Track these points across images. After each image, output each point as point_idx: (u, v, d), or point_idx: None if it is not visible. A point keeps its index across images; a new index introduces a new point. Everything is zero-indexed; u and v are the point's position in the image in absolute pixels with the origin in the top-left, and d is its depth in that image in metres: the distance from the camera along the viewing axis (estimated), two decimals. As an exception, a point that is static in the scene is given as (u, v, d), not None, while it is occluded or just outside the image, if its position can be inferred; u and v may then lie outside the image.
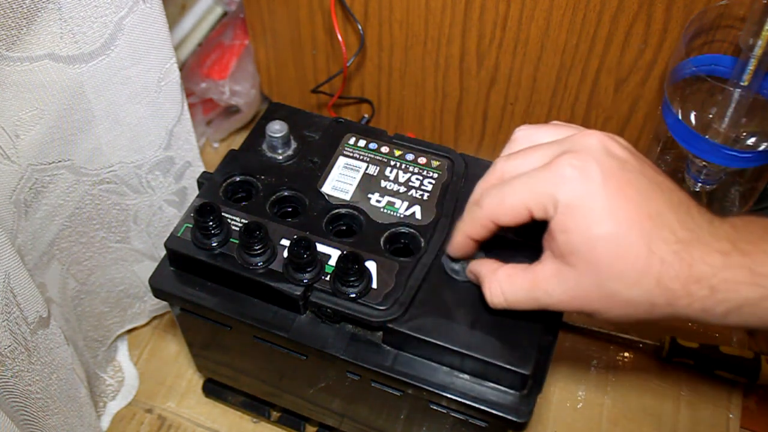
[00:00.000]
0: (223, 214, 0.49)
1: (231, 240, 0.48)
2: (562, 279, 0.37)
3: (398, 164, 0.53)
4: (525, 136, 0.42)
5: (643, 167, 0.37)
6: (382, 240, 0.48)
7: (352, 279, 0.44)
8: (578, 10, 0.60)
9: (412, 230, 0.49)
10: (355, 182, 0.52)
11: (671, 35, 0.58)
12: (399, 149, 0.54)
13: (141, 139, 0.56)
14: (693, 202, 0.37)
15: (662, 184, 0.37)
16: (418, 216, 0.50)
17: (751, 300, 0.35)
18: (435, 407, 0.47)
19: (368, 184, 0.52)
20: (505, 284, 0.41)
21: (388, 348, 0.46)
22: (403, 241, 0.49)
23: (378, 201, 0.51)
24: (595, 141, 0.37)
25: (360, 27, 0.68)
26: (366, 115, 0.78)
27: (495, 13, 0.63)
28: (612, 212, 0.35)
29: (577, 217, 0.36)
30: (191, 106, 0.79)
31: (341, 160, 0.53)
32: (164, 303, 0.64)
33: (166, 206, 0.62)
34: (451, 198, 0.51)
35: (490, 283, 0.41)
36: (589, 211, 0.36)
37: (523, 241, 0.45)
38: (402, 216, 0.50)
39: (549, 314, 0.46)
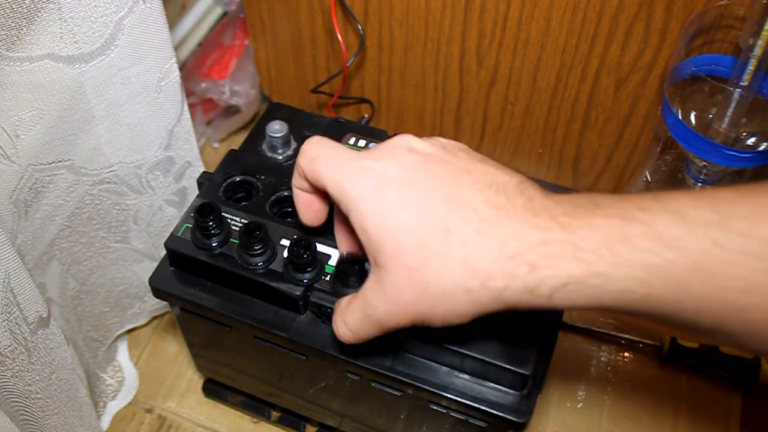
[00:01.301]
0: (223, 214, 0.49)
1: (231, 240, 0.48)
2: (380, 285, 0.36)
3: (398, 164, 0.53)
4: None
5: (453, 158, 0.36)
6: (382, 240, 0.48)
7: (352, 280, 0.44)
8: (578, 10, 0.60)
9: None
10: (355, 182, 0.52)
11: (671, 35, 0.58)
12: (399, 149, 0.54)
13: (141, 139, 0.56)
14: (515, 182, 0.35)
15: (476, 169, 0.36)
16: (418, 216, 0.50)
17: (575, 277, 0.31)
18: (435, 407, 0.47)
19: (368, 184, 0.52)
20: (346, 313, 0.39)
21: (388, 348, 0.46)
22: (403, 241, 0.49)
23: (378, 201, 0.51)
24: (399, 140, 0.37)
25: (360, 27, 0.68)
26: (366, 115, 0.78)
27: (495, 13, 0.63)
28: (405, 200, 0.34)
29: (369, 212, 0.35)
30: (191, 106, 0.79)
31: (341, 160, 0.53)
32: (164, 303, 0.64)
33: (166, 206, 0.62)
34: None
35: (335, 318, 0.40)
36: (381, 203, 0.35)
37: None
38: (402, 216, 0.50)
39: (549, 314, 0.46)
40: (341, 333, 0.40)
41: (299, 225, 0.49)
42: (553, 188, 0.37)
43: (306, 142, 0.40)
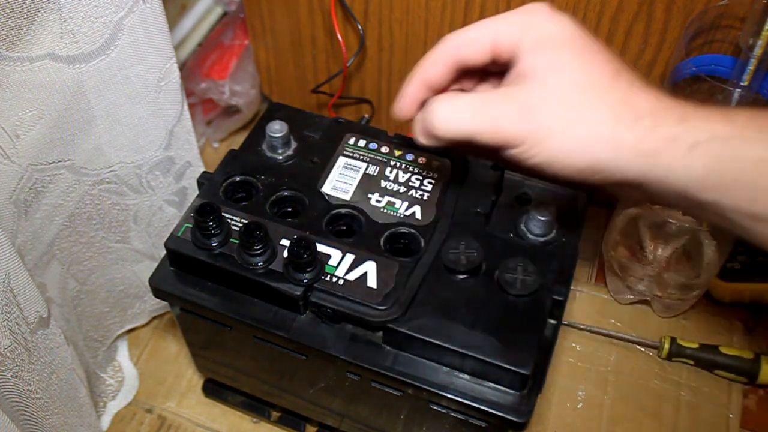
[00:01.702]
0: (223, 214, 0.49)
1: (231, 240, 0.48)
2: (519, 93, 0.35)
3: (398, 164, 0.53)
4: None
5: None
6: (382, 240, 0.48)
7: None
8: (578, 10, 0.60)
9: (412, 230, 0.49)
10: (355, 182, 0.52)
11: (671, 35, 0.58)
12: (399, 149, 0.54)
13: (141, 139, 0.56)
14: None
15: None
16: (418, 216, 0.50)
17: (721, 135, 0.32)
18: (435, 407, 0.47)
19: (368, 184, 0.52)
20: (454, 100, 0.37)
21: (388, 348, 0.46)
22: (403, 241, 0.49)
23: (378, 201, 0.51)
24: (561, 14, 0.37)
25: (360, 27, 0.68)
26: (366, 115, 0.78)
27: (495, 13, 0.63)
28: (581, 41, 0.35)
29: (544, 41, 0.35)
30: (191, 106, 0.79)
31: (341, 160, 0.53)
32: (164, 303, 0.64)
33: (166, 206, 0.62)
34: (451, 198, 0.51)
35: (439, 100, 0.37)
36: (559, 35, 0.35)
37: None
38: (402, 216, 0.50)
39: (549, 314, 0.46)
40: (440, 116, 0.37)
41: (300, 225, 0.49)
42: None
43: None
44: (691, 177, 0.33)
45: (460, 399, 0.44)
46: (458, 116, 0.36)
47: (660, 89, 0.35)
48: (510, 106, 0.35)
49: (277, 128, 0.53)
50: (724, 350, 0.65)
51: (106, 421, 0.65)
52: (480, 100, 0.36)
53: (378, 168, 0.53)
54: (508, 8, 0.61)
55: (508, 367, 0.43)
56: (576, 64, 0.35)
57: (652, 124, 0.33)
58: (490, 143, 0.35)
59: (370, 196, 0.51)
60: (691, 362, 0.66)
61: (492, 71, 0.40)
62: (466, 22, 0.64)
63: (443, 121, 0.36)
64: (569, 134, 0.34)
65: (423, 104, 0.39)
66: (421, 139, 0.39)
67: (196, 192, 0.57)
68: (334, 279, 0.46)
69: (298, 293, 0.46)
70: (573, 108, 0.34)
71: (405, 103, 0.40)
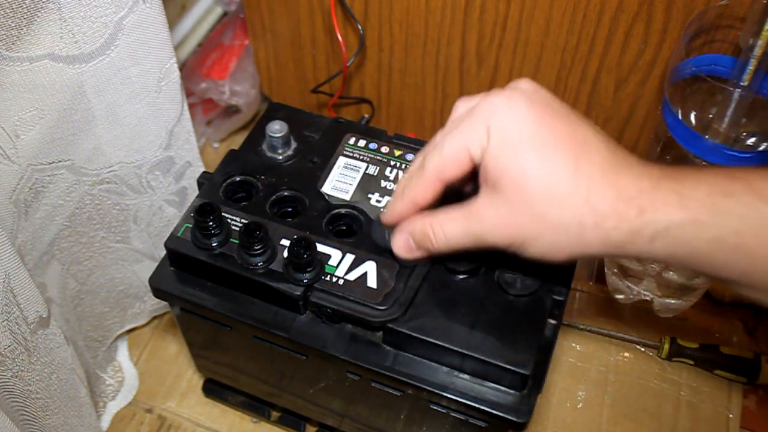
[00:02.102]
0: (223, 214, 0.49)
1: (231, 240, 0.48)
2: (494, 205, 0.38)
3: (398, 164, 0.53)
4: (463, 105, 0.43)
5: (568, 110, 0.39)
6: (382, 240, 0.48)
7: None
8: (578, 10, 0.60)
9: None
10: (355, 182, 0.52)
11: (671, 35, 0.58)
12: (399, 149, 0.54)
13: (141, 139, 0.56)
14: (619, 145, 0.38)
15: (588, 122, 0.39)
16: (418, 216, 0.50)
17: (677, 222, 0.35)
18: (435, 407, 0.47)
19: (368, 184, 0.52)
20: (445, 223, 0.41)
21: (388, 348, 0.46)
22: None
23: (378, 201, 0.51)
24: (522, 82, 0.39)
25: (360, 27, 0.68)
26: (366, 115, 0.78)
27: (495, 14, 0.63)
28: (540, 134, 0.37)
29: (507, 143, 0.37)
30: (191, 106, 0.79)
31: (341, 160, 0.53)
32: (164, 303, 0.64)
33: (166, 206, 0.62)
34: (451, 198, 0.51)
35: (433, 226, 0.42)
36: (518, 134, 0.37)
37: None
38: (402, 216, 0.50)
39: (549, 314, 0.46)
40: (438, 242, 0.42)
41: (300, 225, 0.49)
42: None
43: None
44: (657, 258, 0.37)
45: (460, 399, 0.44)
46: (451, 236, 0.41)
47: (619, 160, 0.37)
48: (489, 224, 0.39)
49: (277, 128, 0.53)
50: (724, 350, 0.65)
51: (106, 421, 0.65)
52: (466, 224, 0.40)
53: (378, 168, 0.53)
54: (507, 7, 0.62)
55: (508, 367, 0.43)
56: (538, 167, 0.37)
57: (614, 222, 0.36)
58: (483, 250, 0.40)
59: (370, 196, 0.51)
60: (691, 362, 0.66)
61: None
62: (466, 22, 0.64)
63: (441, 244, 0.42)
64: (543, 241, 0.38)
65: (412, 215, 0.43)
66: (410, 255, 0.44)
67: (196, 192, 0.57)
68: (334, 279, 0.46)
69: (298, 293, 0.46)
70: (542, 218, 0.37)
71: (396, 219, 0.44)
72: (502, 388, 0.44)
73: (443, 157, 0.40)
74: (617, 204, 0.35)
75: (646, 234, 0.35)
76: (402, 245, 0.44)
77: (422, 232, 0.42)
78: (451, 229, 0.41)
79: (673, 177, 0.36)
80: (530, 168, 0.37)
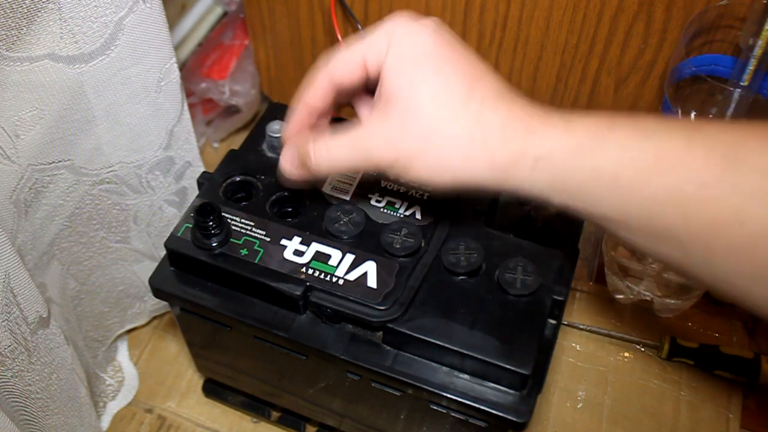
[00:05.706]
0: (223, 214, 0.49)
1: (231, 240, 0.48)
2: (384, 119, 0.38)
3: (398, 164, 0.53)
4: None
5: (471, 50, 0.40)
6: (382, 240, 0.48)
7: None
8: (578, 10, 0.60)
9: (412, 230, 0.49)
10: (355, 182, 0.52)
11: (671, 35, 0.58)
12: (399, 149, 0.54)
13: (141, 139, 0.56)
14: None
15: (489, 65, 0.39)
16: (418, 216, 0.50)
17: (560, 147, 0.35)
18: (435, 407, 0.47)
19: (368, 184, 0.52)
20: (330, 140, 0.40)
21: (388, 348, 0.46)
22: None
23: (378, 201, 0.51)
24: (428, 19, 0.39)
25: (360, 27, 0.68)
26: (366, 115, 0.78)
27: (495, 13, 0.63)
28: (439, 56, 0.37)
29: (405, 58, 0.37)
30: (191, 106, 0.79)
31: (341, 160, 0.53)
32: (164, 303, 0.64)
33: (166, 206, 0.62)
34: (451, 198, 0.51)
35: (316, 140, 0.41)
36: (418, 51, 0.37)
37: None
38: (402, 216, 0.50)
39: (549, 314, 0.46)
40: (318, 155, 0.41)
41: (300, 225, 0.49)
42: None
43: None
44: (540, 188, 0.36)
45: (460, 399, 0.44)
46: (335, 155, 0.40)
47: (513, 94, 0.38)
48: (377, 137, 0.38)
49: (277, 128, 0.53)
50: (724, 350, 0.65)
51: (106, 421, 0.65)
52: (352, 137, 0.39)
53: (378, 168, 0.53)
54: (507, 7, 0.62)
55: (508, 367, 0.43)
56: (433, 83, 0.37)
57: (501, 140, 0.36)
58: (369, 170, 0.40)
59: (370, 196, 0.51)
60: (691, 362, 0.66)
61: (374, 86, 0.42)
62: (466, 22, 0.64)
63: (323, 160, 0.41)
64: (429, 157, 0.37)
65: (309, 123, 0.43)
66: (294, 171, 0.43)
67: (196, 192, 0.57)
68: (334, 279, 0.46)
69: (298, 293, 0.46)
70: (430, 130, 0.37)
71: (293, 128, 0.44)
72: (502, 388, 0.44)
73: (337, 59, 0.40)
74: (506, 123, 0.36)
75: (530, 156, 0.35)
76: (288, 159, 0.43)
77: (304, 146, 0.41)
78: (336, 145, 0.40)
79: (565, 112, 0.36)
80: (424, 83, 0.37)
